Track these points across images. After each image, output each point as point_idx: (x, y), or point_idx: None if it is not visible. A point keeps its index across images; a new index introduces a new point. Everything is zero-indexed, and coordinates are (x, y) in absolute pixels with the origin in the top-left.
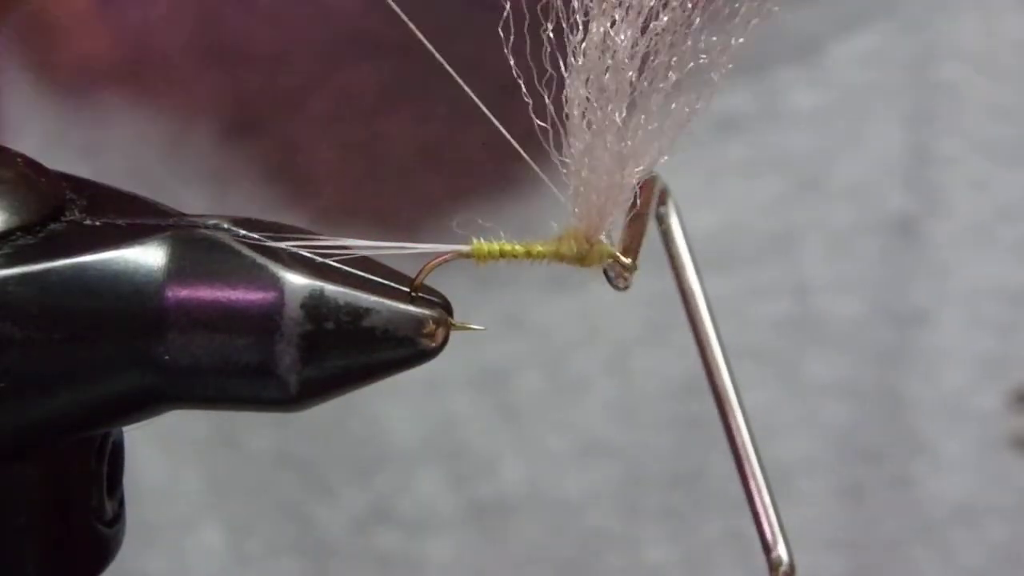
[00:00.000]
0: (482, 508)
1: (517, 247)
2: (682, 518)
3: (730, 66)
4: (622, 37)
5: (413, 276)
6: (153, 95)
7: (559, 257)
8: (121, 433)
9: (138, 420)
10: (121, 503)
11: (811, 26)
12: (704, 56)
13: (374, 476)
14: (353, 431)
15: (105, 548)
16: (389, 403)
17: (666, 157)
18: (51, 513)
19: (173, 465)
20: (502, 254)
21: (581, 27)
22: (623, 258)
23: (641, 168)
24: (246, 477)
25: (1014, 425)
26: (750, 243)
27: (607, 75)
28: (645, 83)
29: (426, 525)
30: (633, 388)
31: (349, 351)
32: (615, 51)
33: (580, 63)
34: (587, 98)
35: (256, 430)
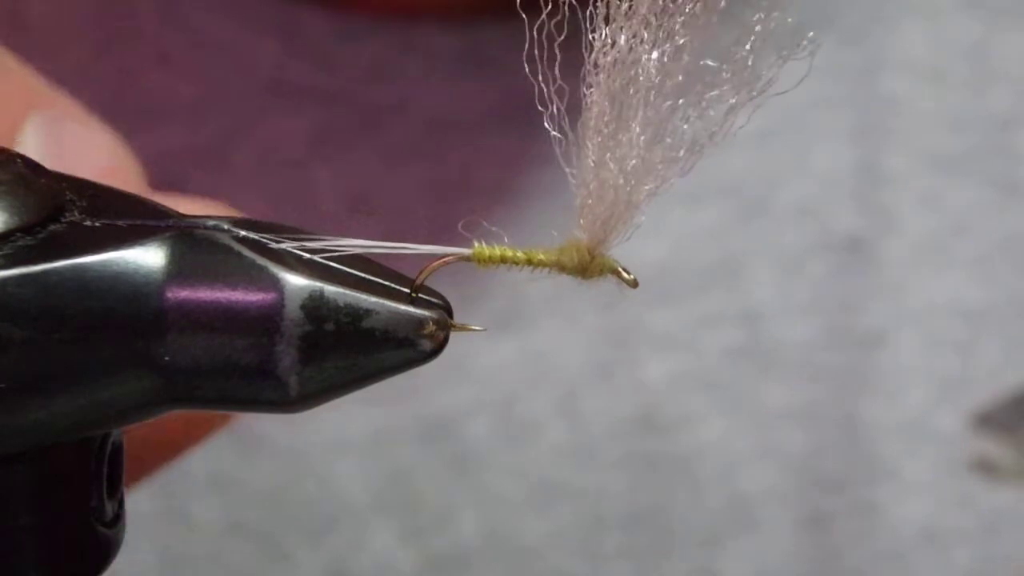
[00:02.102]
0: (440, 560)
1: (519, 253)
2: (645, 557)
3: (755, 95)
4: (647, 57)
5: (411, 277)
6: None
7: (560, 267)
8: (121, 434)
9: (138, 421)
10: (121, 504)
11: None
12: (727, 80)
13: (328, 536)
14: (303, 492)
15: (105, 549)
16: (338, 461)
17: (678, 179)
18: (51, 513)
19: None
20: (503, 259)
21: (609, 40)
22: (624, 273)
23: (651, 187)
24: (197, 548)
25: (975, 447)
26: (698, 272)
27: (627, 90)
28: (666, 103)
29: None
30: (585, 428)
31: (349, 352)
32: (639, 67)
33: (602, 77)
34: (605, 111)
35: (204, 500)
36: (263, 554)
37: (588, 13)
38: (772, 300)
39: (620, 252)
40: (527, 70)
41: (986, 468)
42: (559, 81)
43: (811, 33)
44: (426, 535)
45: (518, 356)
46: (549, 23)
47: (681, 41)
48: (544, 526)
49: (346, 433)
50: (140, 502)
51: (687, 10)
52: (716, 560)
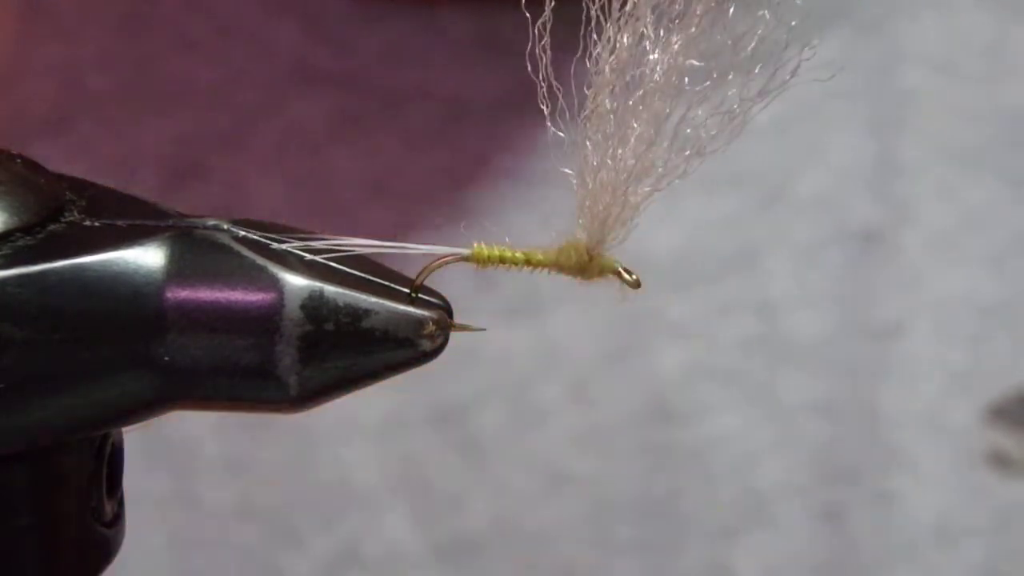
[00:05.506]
0: (451, 546)
1: (517, 253)
2: (657, 547)
3: (759, 105)
4: (648, 57)
5: (411, 277)
6: (92, 142)
7: (559, 267)
8: (120, 434)
9: (138, 421)
10: (121, 504)
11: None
12: (729, 82)
13: (339, 520)
14: (315, 476)
15: (105, 549)
16: (350, 445)
17: (677, 180)
18: (51, 514)
19: (132, 524)
20: (502, 260)
21: (611, 40)
22: (625, 273)
23: (650, 188)
24: (207, 531)
25: (989, 440)
26: (713, 261)
27: (628, 91)
28: (666, 104)
29: (395, 567)
30: (597, 416)
31: (349, 352)
32: (640, 68)
33: (603, 77)
34: (605, 111)
35: (215, 483)
36: (273, 538)
37: (590, 13)
38: (788, 290)
39: (636, 240)
40: (529, 70)
41: (1000, 461)
42: (555, 82)
43: (816, 41)
44: (437, 520)
45: (531, 343)
46: (535, 25)
47: (681, 43)
48: (554, 514)
49: (358, 417)
50: (151, 483)
51: (690, 11)
52: (729, 553)
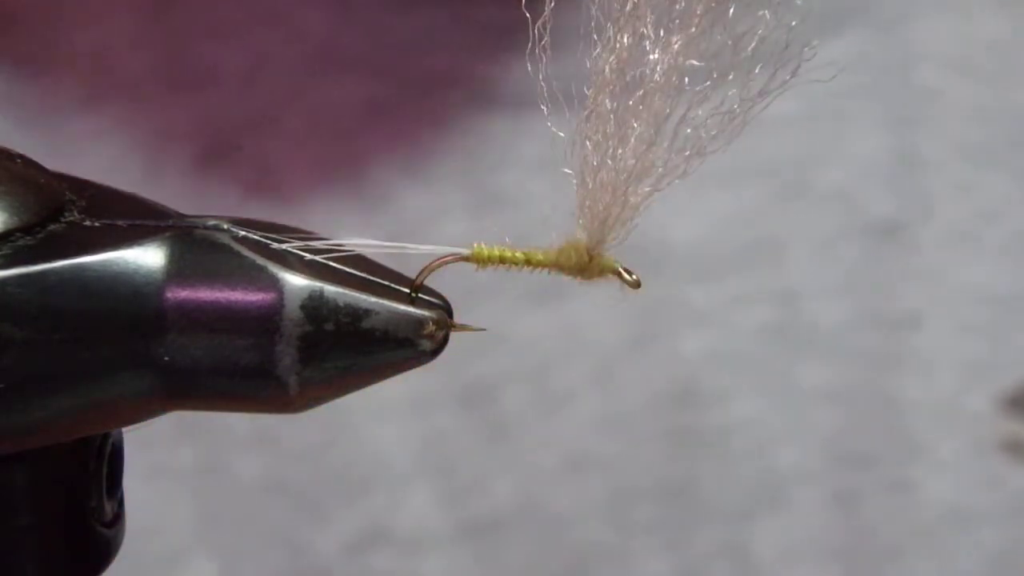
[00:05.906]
0: (474, 525)
1: (517, 254)
2: (675, 530)
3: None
4: (648, 58)
5: (412, 277)
6: (124, 122)
7: (559, 267)
8: (120, 434)
9: (138, 421)
10: (120, 504)
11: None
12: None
13: (365, 497)
14: (342, 453)
15: (105, 549)
16: (376, 423)
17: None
18: (50, 514)
19: (161, 497)
20: (502, 260)
21: (612, 40)
22: (625, 273)
23: (650, 188)
24: (236, 505)
25: (1005, 429)
26: (734, 251)
27: (628, 91)
28: (666, 104)
29: (419, 544)
30: (620, 400)
31: (349, 352)
32: (641, 68)
33: (603, 77)
34: (606, 111)
35: (244, 457)
36: (300, 513)
37: (590, 13)
38: (807, 281)
39: (660, 230)
40: (529, 70)
41: (1014, 449)
42: (555, 81)
43: (816, 42)
44: (461, 499)
45: (554, 327)
46: (535, 25)
47: (681, 43)
48: (576, 495)
49: (385, 397)
50: (182, 456)
51: (690, 11)
52: (746, 535)
